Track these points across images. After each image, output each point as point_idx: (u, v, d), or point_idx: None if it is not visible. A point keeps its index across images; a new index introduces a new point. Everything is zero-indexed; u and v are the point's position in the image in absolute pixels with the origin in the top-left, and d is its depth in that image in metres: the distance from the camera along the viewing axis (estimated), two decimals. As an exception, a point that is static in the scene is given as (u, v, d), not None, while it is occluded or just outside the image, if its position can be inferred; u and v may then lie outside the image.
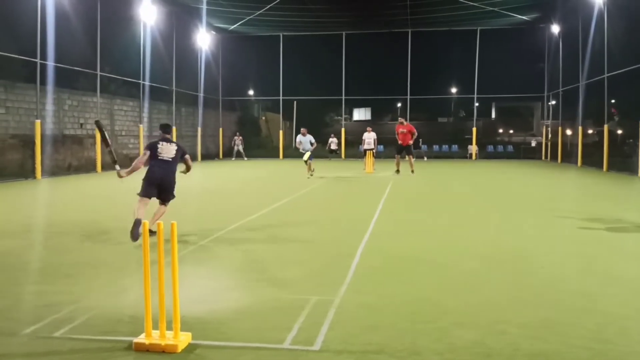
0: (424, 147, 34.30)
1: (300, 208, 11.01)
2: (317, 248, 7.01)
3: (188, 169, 8.40)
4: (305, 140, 18.16)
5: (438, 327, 4.03)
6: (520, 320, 4.18)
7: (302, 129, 18.50)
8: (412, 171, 19.57)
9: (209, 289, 5.07)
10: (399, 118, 21.36)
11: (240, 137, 32.58)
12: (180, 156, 8.00)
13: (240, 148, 32.13)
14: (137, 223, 7.05)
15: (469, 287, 5.16)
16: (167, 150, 7.88)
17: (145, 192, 7.59)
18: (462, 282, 5.34)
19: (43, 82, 18.88)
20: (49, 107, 19.85)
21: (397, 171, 19.88)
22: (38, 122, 18.37)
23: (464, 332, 3.93)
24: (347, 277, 5.46)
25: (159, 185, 7.73)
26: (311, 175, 17.76)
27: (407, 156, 20.13)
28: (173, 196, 7.99)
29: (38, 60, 18.20)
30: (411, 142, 19.82)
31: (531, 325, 4.08)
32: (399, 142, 19.87)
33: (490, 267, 5.93)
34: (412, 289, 5.11)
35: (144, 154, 7.92)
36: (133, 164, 7.85)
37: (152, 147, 7.94)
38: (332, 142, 32.74)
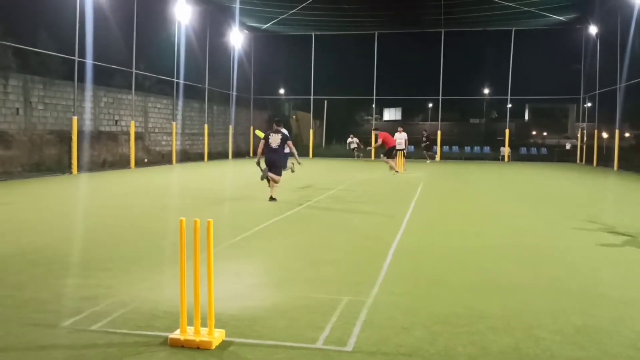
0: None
1: (332, 208, 11.01)
2: (349, 248, 7.01)
3: (293, 154, 12.05)
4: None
5: (472, 331, 4.00)
6: (556, 326, 4.11)
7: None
8: (393, 171, 20.47)
9: (242, 286, 5.12)
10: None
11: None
12: (283, 143, 11.43)
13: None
14: (265, 171, 11.32)
15: (504, 290, 5.09)
16: (274, 140, 11.38)
17: (267, 167, 11.41)
18: (497, 285, 5.28)
19: (80, 80, 19.28)
20: (86, 104, 20.29)
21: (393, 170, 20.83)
22: (75, 118, 18.77)
23: (498, 337, 3.89)
24: (379, 278, 5.45)
25: (271, 164, 11.37)
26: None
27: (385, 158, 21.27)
28: (280, 172, 11.57)
29: (76, 58, 18.60)
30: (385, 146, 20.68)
31: (567, 332, 4.02)
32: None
33: (526, 271, 5.85)
34: (446, 291, 5.07)
35: (262, 142, 11.59)
36: (258, 150, 11.83)
37: (266, 137, 11.50)
38: (353, 141, 33.37)
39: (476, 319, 4.26)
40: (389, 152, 20.72)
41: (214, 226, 3.77)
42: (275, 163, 11.34)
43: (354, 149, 33.57)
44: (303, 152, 34.03)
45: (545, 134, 59.48)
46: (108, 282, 5.16)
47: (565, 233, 8.42)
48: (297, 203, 11.26)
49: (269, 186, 11.46)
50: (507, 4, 25.88)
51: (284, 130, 11.67)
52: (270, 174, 11.31)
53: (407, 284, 5.32)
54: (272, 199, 11.30)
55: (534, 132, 60.30)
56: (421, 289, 5.13)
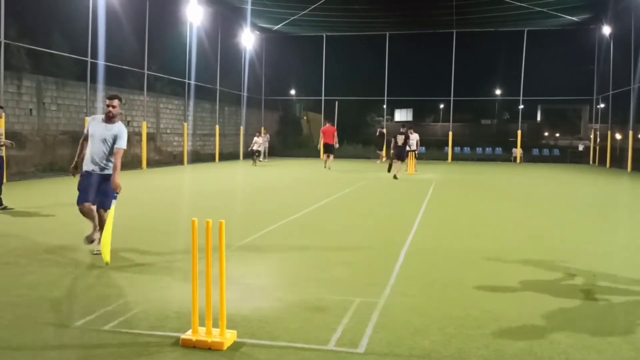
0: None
1: (343, 208, 10.99)
2: (361, 248, 6.98)
3: (405, 144, 18.87)
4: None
5: (486, 334, 3.95)
6: (571, 329, 4.06)
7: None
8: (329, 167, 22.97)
9: (253, 287, 5.11)
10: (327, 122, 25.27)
11: (265, 136, 29.08)
12: (406, 141, 18.64)
13: (261, 147, 27.09)
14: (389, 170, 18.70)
15: (518, 293, 5.04)
16: (399, 140, 18.22)
17: (394, 157, 18.25)
18: (511, 287, 5.22)
19: (93, 80, 19.40)
20: (98, 104, 20.39)
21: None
22: (87, 119, 18.86)
23: (512, 340, 3.84)
24: (391, 279, 5.42)
25: (398, 155, 18.26)
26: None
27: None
28: (404, 159, 18.86)
29: (89, 59, 18.71)
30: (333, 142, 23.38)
31: (582, 335, 3.96)
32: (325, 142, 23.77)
33: (540, 273, 5.79)
34: (459, 292, 5.03)
35: (393, 141, 18.27)
36: (392, 144, 18.57)
37: (395, 137, 18.28)
38: (255, 142, 25.76)
39: (490, 321, 4.22)
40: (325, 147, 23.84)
41: (225, 227, 3.76)
42: (401, 155, 18.48)
43: (255, 152, 25.69)
44: (314, 153, 34.08)
45: (557, 135, 59.08)
46: (120, 282, 5.17)
47: (580, 235, 8.33)
48: (308, 204, 11.25)
49: (394, 171, 18.17)
50: (520, 4, 25.72)
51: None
52: (396, 163, 18.23)
53: (420, 285, 5.29)
54: (395, 177, 17.82)
55: (546, 133, 59.91)
56: (434, 291, 5.09)
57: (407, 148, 19.92)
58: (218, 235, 3.70)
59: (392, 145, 18.36)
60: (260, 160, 27.04)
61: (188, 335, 3.70)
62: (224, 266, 3.74)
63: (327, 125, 23.99)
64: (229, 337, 3.69)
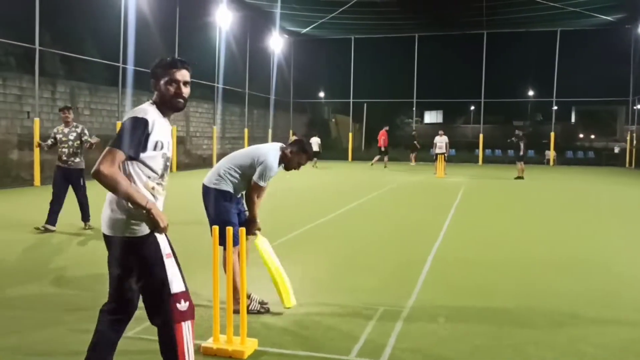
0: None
1: (370, 212, 10.91)
2: (386, 255, 6.89)
3: (518, 147, 20.56)
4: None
5: (513, 344, 3.85)
6: (600, 340, 3.93)
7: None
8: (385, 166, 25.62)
9: (275, 294, 5.06)
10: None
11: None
12: (518, 144, 20.13)
13: None
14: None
15: (548, 301, 4.90)
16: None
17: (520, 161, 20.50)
18: (541, 296, 5.08)
19: (124, 85, 19.71)
20: (129, 109, 20.69)
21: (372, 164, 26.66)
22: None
23: (540, 350, 3.73)
24: (416, 286, 5.33)
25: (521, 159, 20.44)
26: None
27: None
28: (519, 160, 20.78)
29: (120, 65, 19.03)
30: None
31: (612, 346, 3.83)
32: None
33: (572, 281, 5.63)
34: (487, 301, 4.91)
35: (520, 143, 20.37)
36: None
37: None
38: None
39: (518, 331, 4.11)
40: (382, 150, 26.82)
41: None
42: (520, 157, 20.42)
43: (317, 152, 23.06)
44: (343, 156, 34.01)
45: (592, 137, 57.82)
46: (145, 288, 5.18)
47: (614, 242, 8.09)
48: (334, 208, 11.19)
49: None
50: (552, 4, 25.23)
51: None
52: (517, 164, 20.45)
53: (446, 294, 5.18)
54: (521, 177, 19.96)
55: (580, 135, 58.68)
56: (461, 300, 4.98)
57: (520, 152, 20.50)
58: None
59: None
60: None
61: (209, 343, 3.69)
62: (244, 273, 3.72)
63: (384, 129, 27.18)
64: (250, 345, 3.66)
